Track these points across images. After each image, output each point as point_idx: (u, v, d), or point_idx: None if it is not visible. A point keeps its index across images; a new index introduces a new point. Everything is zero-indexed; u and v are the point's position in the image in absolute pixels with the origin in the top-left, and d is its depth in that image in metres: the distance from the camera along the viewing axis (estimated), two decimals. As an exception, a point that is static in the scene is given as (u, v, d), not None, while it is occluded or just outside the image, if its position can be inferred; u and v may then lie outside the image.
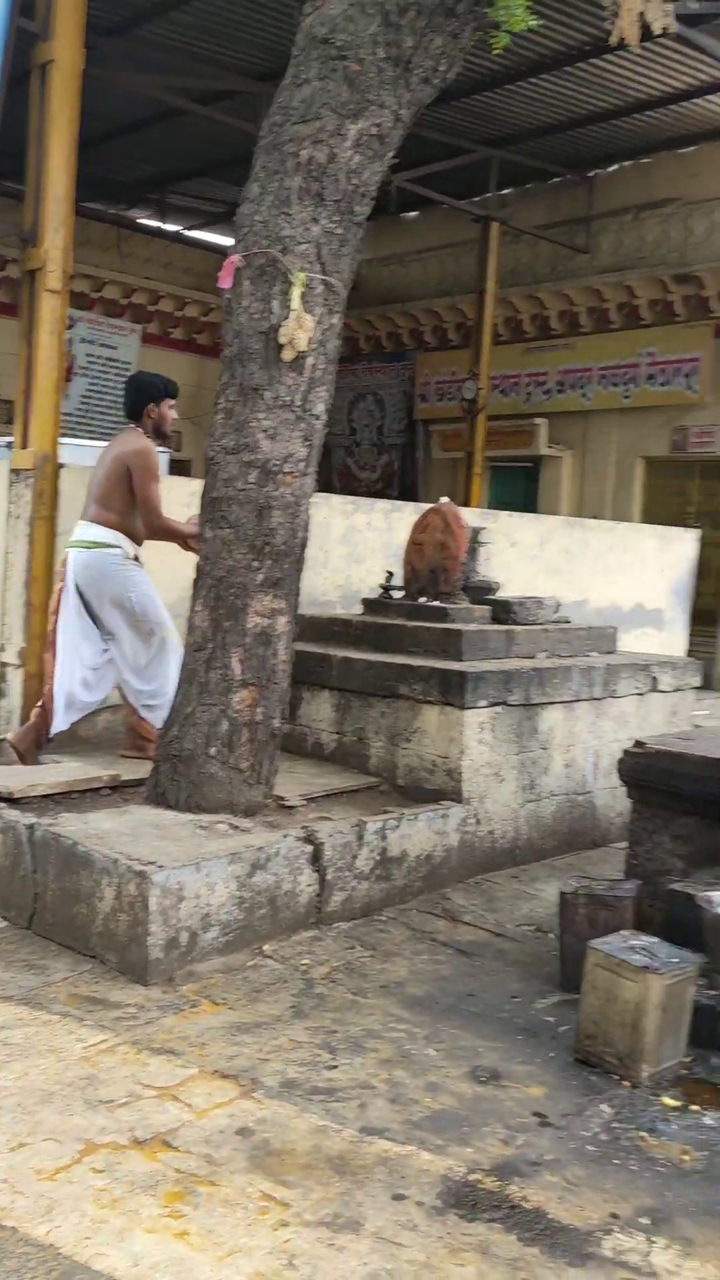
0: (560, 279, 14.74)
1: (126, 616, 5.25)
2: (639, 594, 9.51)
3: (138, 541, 5.32)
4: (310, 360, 4.39)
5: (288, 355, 4.30)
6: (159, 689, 5.25)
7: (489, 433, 14.49)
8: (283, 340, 4.29)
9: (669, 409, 13.80)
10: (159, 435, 5.41)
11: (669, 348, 13.72)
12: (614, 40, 5.73)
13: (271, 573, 4.42)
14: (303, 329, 4.28)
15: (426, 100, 4.61)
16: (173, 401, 5.42)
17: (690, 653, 10.18)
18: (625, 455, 14.36)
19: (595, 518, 13.58)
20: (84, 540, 5.23)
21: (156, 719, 5.12)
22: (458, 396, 14.82)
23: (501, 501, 15.11)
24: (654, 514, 14.08)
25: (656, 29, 5.56)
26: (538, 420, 14.91)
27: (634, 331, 14.08)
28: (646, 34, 6.54)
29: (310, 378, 4.41)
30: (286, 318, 4.29)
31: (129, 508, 5.21)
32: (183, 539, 5.20)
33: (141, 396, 5.36)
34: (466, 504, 13.35)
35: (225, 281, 4.44)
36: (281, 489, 4.40)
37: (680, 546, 10.01)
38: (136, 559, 5.31)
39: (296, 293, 4.28)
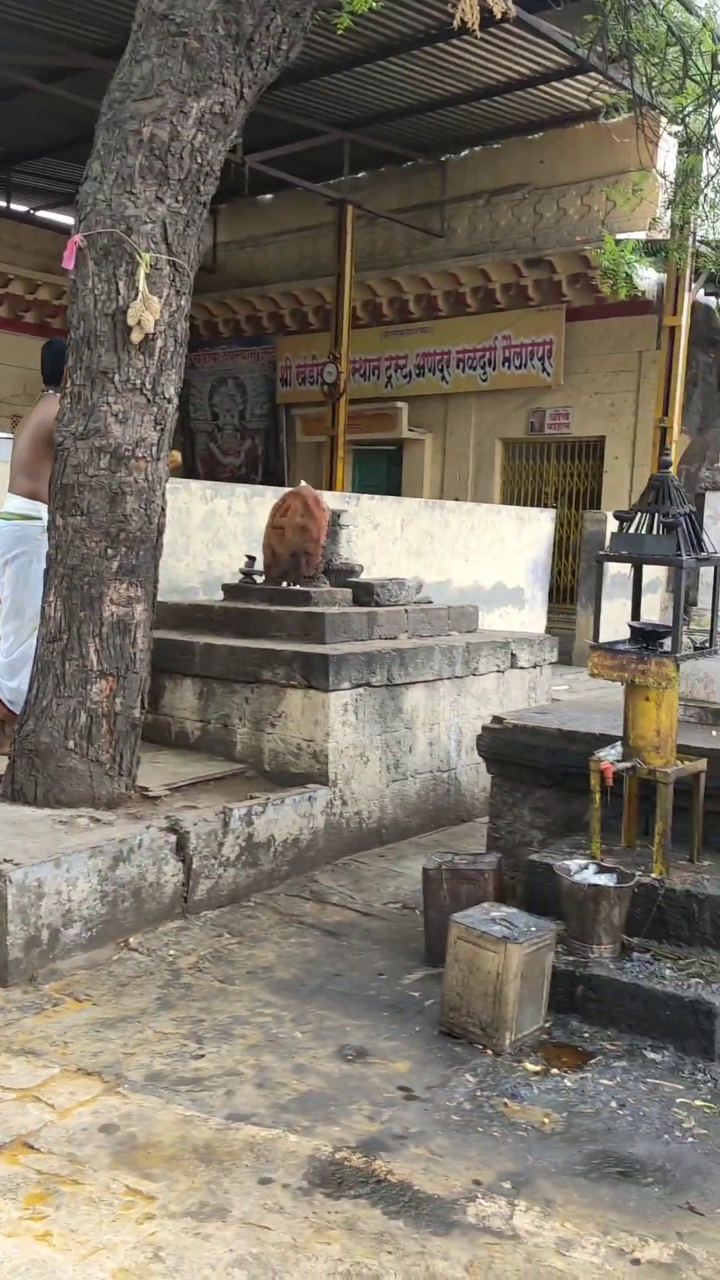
0: (417, 262, 14.85)
1: (15, 591, 5.10)
2: (499, 573, 9.68)
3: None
4: (160, 343, 4.31)
5: (136, 337, 4.22)
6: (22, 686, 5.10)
7: (351, 416, 14.54)
8: (131, 322, 4.21)
9: (525, 391, 14.07)
10: None
11: (524, 331, 13.98)
12: (456, 23, 5.80)
13: (127, 560, 4.34)
14: (150, 310, 4.20)
15: (270, 79, 4.56)
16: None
17: (550, 629, 10.42)
18: (484, 437, 14.59)
19: (457, 499, 13.79)
20: (6, 512, 5.15)
21: None
22: (319, 380, 14.82)
23: (365, 485, 15.19)
24: (514, 495, 14.36)
25: (496, 12, 5.64)
26: (399, 403, 15.03)
27: (489, 315, 14.30)
28: (490, 20, 6.64)
29: (160, 360, 4.34)
30: (134, 299, 4.20)
31: (46, 473, 5.02)
32: None
33: (61, 362, 5.03)
34: (331, 488, 13.38)
35: (69, 262, 4.33)
36: (134, 474, 4.32)
37: (538, 526, 10.23)
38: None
39: (143, 273, 4.20)
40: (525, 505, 13.46)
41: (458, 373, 14.68)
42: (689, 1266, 2.34)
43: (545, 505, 13.33)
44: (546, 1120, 2.91)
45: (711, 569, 3.91)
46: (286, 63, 4.60)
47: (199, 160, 4.33)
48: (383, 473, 15.57)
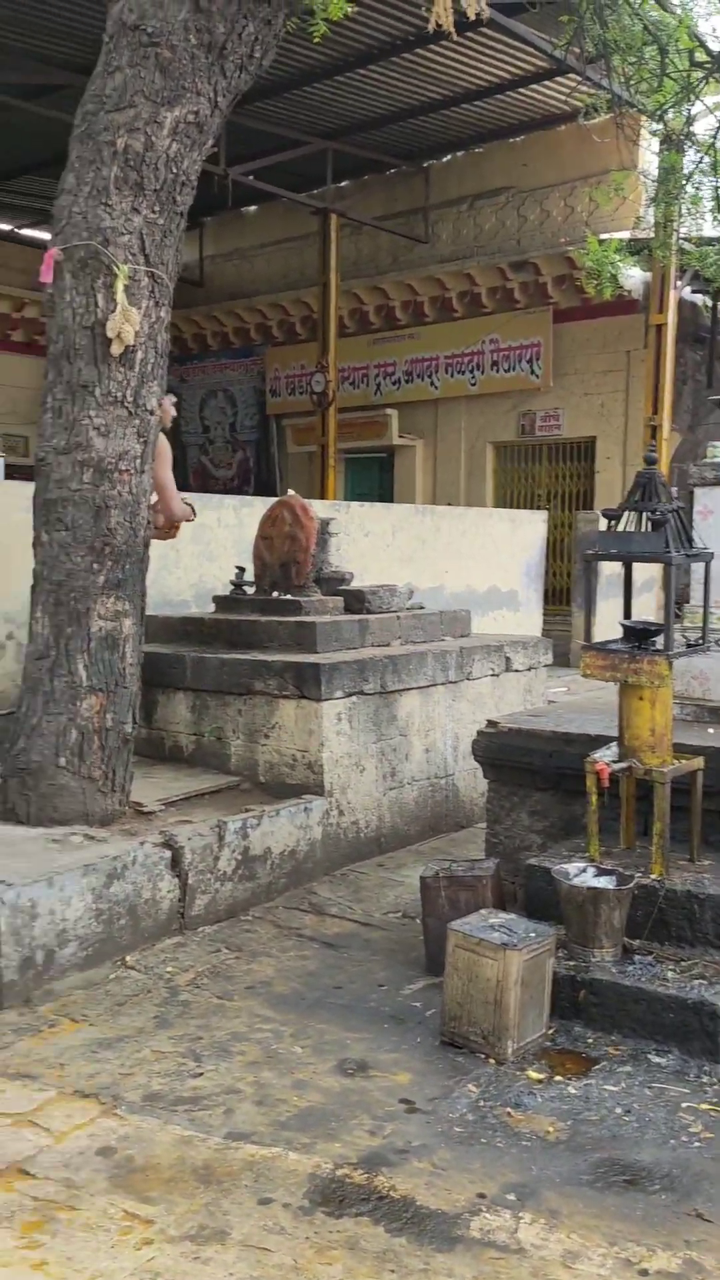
0: (402, 269, 14.84)
1: None
2: (492, 577, 9.64)
3: None
4: (140, 354, 4.28)
5: (116, 349, 4.20)
6: None
7: (341, 425, 14.52)
8: (110, 335, 4.18)
9: (514, 394, 14.05)
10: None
11: (511, 334, 13.96)
12: (432, 26, 5.78)
13: (113, 574, 4.31)
14: (129, 322, 4.17)
15: (244, 87, 4.55)
16: (174, 399, 5.30)
17: (545, 631, 10.37)
18: (475, 441, 14.56)
19: (449, 504, 13.76)
20: None
21: None
22: (308, 390, 14.80)
23: (358, 492, 15.16)
24: (506, 498, 14.33)
25: (470, 14, 5.62)
26: (388, 410, 15.00)
27: (477, 320, 14.28)
28: (466, 23, 6.63)
29: (141, 372, 4.31)
30: (113, 311, 4.18)
31: None
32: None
33: None
34: (323, 497, 13.35)
35: (46, 276, 4.31)
36: (118, 487, 4.29)
37: (530, 528, 10.19)
38: None
39: (121, 285, 4.17)
40: (518, 508, 13.43)
41: (446, 378, 14.66)
42: (698, 1275, 2.29)
43: (538, 507, 13.30)
44: (551, 1129, 2.86)
45: (702, 565, 3.87)
46: (260, 70, 4.59)
47: (174, 170, 4.31)
48: (375, 480, 15.54)
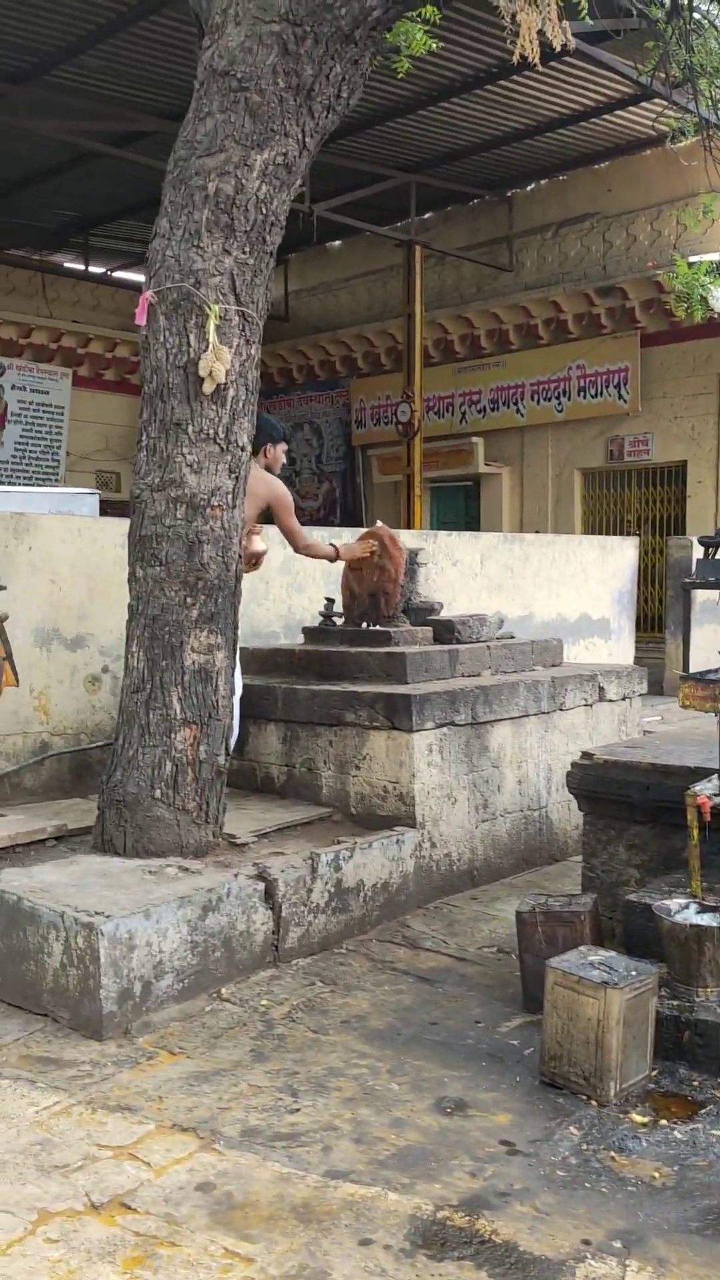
0: (487, 298, 14.89)
1: None
2: (583, 605, 9.54)
3: None
4: (231, 392, 4.35)
5: (208, 388, 4.26)
6: None
7: (427, 454, 14.57)
8: (202, 373, 4.25)
9: (602, 420, 13.95)
10: (267, 470, 5.45)
11: (598, 360, 13.89)
12: (516, 58, 5.82)
13: (206, 608, 4.36)
14: (220, 361, 4.24)
15: (331, 127, 4.61)
16: (285, 447, 5.59)
17: (638, 660, 10.22)
18: (562, 468, 14.48)
19: (537, 531, 13.68)
20: None
21: None
22: (393, 420, 14.88)
23: (443, 521, 15.17)
24: (595, 524, 14.20)
25: (556, 45, 5.63)
26: (474, 439, 15.02)
27: (563, 346, 14.24)
28: (551, 53, 6.65)
29: (232, 409, 4.37)
30: (204, 350, 4.25)
31: None
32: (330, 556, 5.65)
33: (261, 437, 5.21)
34: (409, 526, 13.38)
35: (141, 318, 4.40)
36: (211, 523, 4.35)
37: (621, 555, 10.07)
38: None
39: (212, 325, 4.24)
40: (607, 534, 13.30)
41: (533, 404, 14.63)
42: None
43: (628, 533, 13.15)
44: (657, 1174, 2.78)
45: None
46: (347, 109, 4.65)
47: (264, 211, 4.38)
48: (461, 509, 15.54)
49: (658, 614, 12.64)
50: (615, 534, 13.33)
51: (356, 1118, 3.05)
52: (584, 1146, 2.90)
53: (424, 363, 14.53)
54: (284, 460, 5.54)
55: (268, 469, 5.41)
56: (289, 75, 4.34)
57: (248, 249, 4.37)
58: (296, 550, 5.64)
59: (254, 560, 5.42)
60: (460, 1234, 2.52)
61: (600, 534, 13.46)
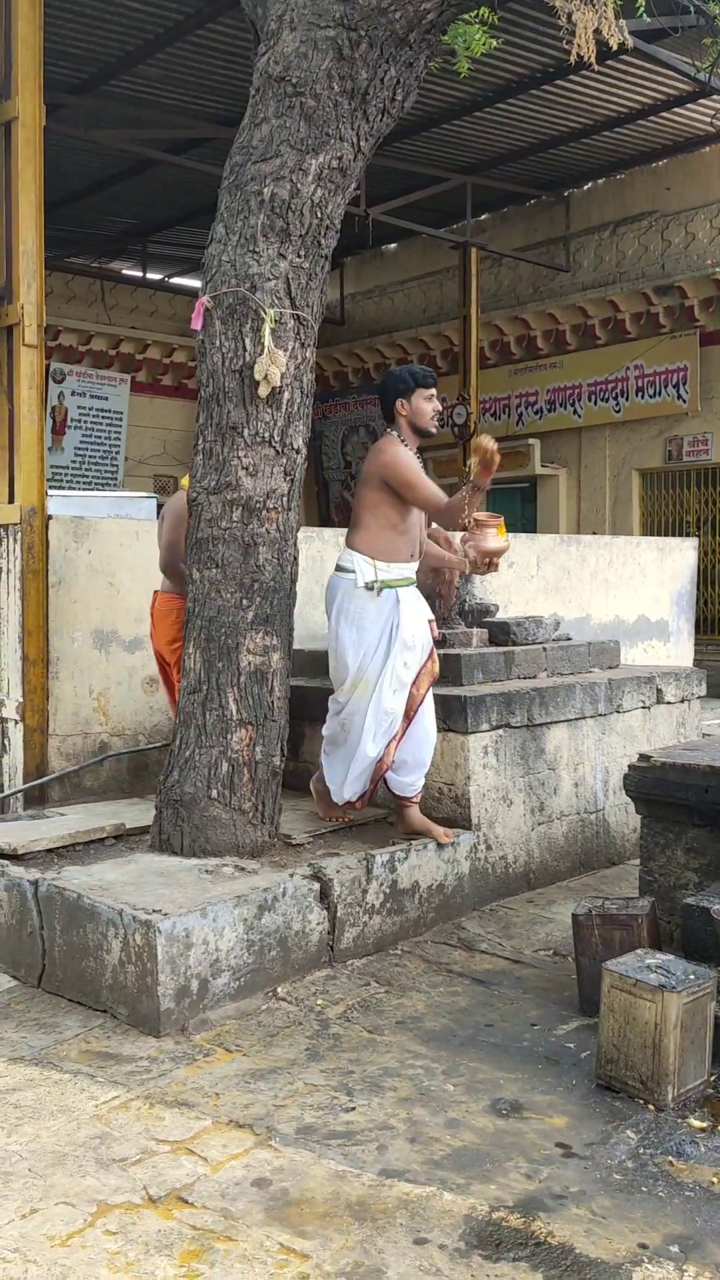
0: (543, 299, 14.81)
1: (331, 656, 4.67)
2: (641, 606, 9.45)
3: (399, 558, 4.60)
4: (286, 395, 4.38)
5: (263, 391, 4.30)
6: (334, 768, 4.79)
7: (483, 456, 14.49)
8: (257, 377, 4.29)
9: (661, 420, 13.80)
10: (418, 431, 4.70)
11: (656, 359, 13.74)
12: (574, 58, 5.79)
13: (262, 609, 4.39)
14: (276, 364, 4.27)
15: (386, 130, 4.63)
16: (428, 392, 4.67)
17: (697, 662, 10.11)
18: (620, 469, 14.35)
19: (595, 533, 13.57)
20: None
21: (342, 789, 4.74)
22: (449, 422, 14.85)
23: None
24: (653, 525, 14.05)
25: (613, 44, 5.60)
26: (531, 440, 14.93)
27: (620, 346, 14.12)
28: (607, 52, 6.61)
29: (288, 413, 4.40)
30: (259, 354, 4.29)
31: (379, 524, 4.56)
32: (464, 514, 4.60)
33: (389, 395, 4.64)
34: (464, 528, 13.34)
35: (197, 323, 4.45)
36: (266, 525, 4.38)
37: (679, 556, 9.96)
38: (377, 589, 4.54)
39: (267, 329, 4.28)
40: (666, 535, 13.15)
41: (590, 405, 14.52)
42: None
43: (688, 534, 13.00)
44: (715, 1179, 2.75)
45: None
46: (402, 112, 4.66)
47: (319, 215, 4.41)
48: (517, 510, 15.46)
49: (718, 616, 12.48)
50: (675, 535, 13.19)
51: (412, 1117, 3.05)
52: (641, 1150, 2.88)
53: (480, 365, 14.48)
54: (434, 407, 4.70)
55: (412, 425, 4.67)
56: (344, 79, 4.37)
57: (303, 253, 4.40)
58: (440, 521, 4.89)
59: (489, 559, 4.63)
60: (516, 1235, 2.51)
61: (659, 535, 13.32)
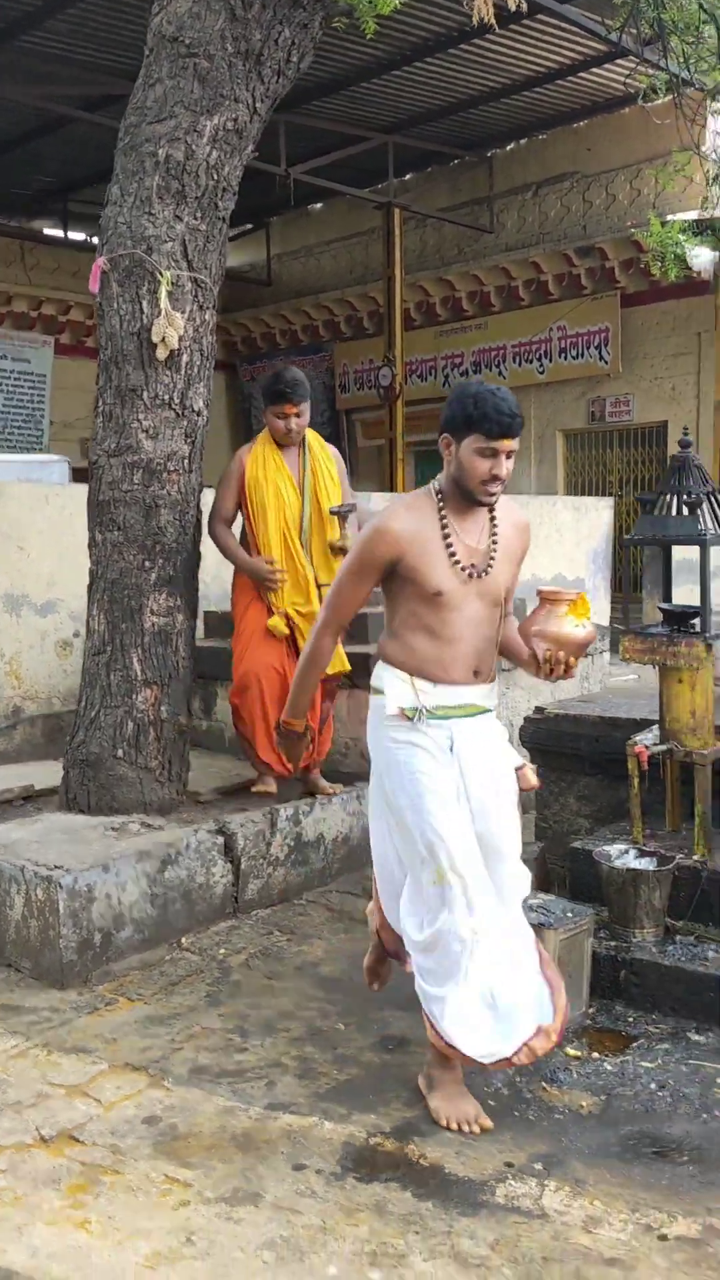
0: (468, 260, 14.84)
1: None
2: (557, 565, 9.61)
3: (426, 676, 2.89)
4: (185, 358, 4.41)
5: (161, 354, 4.33)
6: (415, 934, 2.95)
7: (410, 418, 14.56)
8: (155, 339, 4.32)
9: (583, 381, 13.96)
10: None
11: (579, 321, 13.87)
12: (475, 21, 5.82)
13: (164, 571, 4.45)
14: (174, 327, 4.30)
15: (283, 92, 4.64)
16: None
17: (618, 619, 10.32)
18: (545, 429, 14.49)
19: (519, 494, 13.72)
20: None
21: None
22: (376, 384, 14.88)
23: (428, 485, 15.17)
24: (577, 485, 14.25)
25: (511, 4, 5.64)
26: (457, 402, 15.00)
27: (544, 307, 14.21)
28: (509, 15, 6.63)
29: (187, 375, 4.44)
30: (157, 317, 4.31)
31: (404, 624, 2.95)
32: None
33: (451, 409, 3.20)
34: (392, 490, 13.42)
35: (94, 285, 4.47)
36: (168, 487, 4.43)
37: (595, 515, 10.13)
38: (413, 716, 2.88)
39: (164, 291, 4.30)
40: (590, 495, 13.34)
41: (515, 367, 14.62)
42: (717, 1241, 2.34)
43: (610, 494, 13.19)
44: (585, 1103, 2.92)
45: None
46: (298, 73, 4.68)
47: (215, 177, 4.43)
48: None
49: (638, 575, 12.71)
50: (598, 495, 13.38)
51: (302, 1055, 3.18)
52: (517, 1078, 3.03)
53: (405, 326, 14.50)
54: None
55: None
56: (238, 40, 4.38)
57: (199, 215, 4.42)
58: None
59: (565, 655, 2.90)
60: (389, 1158, 2.65)
61: (583, 495, 13.50)
